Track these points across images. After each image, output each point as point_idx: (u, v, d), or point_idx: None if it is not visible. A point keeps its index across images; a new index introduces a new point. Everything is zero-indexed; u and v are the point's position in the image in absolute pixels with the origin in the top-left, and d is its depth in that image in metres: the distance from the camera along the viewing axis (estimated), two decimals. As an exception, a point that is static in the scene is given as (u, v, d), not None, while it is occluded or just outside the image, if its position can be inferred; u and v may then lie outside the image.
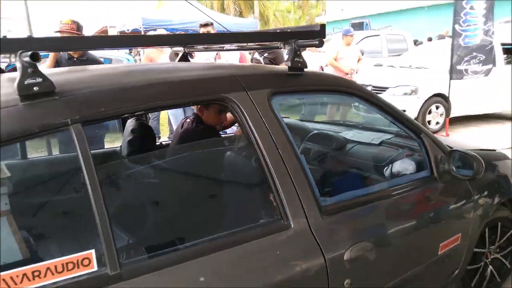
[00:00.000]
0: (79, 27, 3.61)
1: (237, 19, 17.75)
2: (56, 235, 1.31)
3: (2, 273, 1.00)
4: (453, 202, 2.14)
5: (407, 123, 2.06)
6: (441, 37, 12.61)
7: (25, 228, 1.31)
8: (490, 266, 2.50)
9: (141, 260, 1.21)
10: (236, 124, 2.49)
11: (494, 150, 2.73)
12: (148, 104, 1.40)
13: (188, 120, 2.46)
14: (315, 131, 2.84)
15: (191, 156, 1.86)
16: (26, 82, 1.15)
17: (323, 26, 1.72)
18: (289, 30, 1.81)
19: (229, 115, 2.38)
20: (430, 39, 13.74)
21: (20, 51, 1.16)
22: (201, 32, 4.78)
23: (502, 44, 8.07)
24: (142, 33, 11.34)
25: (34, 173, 1.77)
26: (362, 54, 8.00)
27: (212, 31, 4.77)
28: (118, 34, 13.78)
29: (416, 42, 12.55)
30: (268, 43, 1.89)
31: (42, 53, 1.21)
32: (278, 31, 1.82)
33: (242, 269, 1.37)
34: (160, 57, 4.80)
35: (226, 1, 27.48)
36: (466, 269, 2.32)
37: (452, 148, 2.11)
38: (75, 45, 1.68)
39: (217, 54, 4.64)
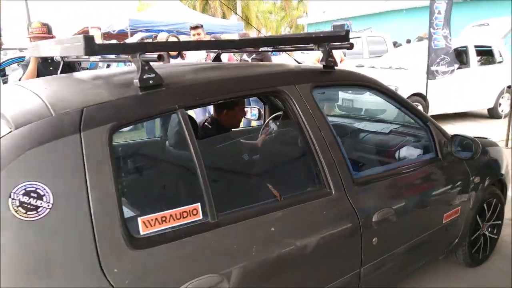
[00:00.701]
0: (49, 29, 3.70)
1: (222, 20, 17.95)
2: (176, 192, 1.66)
3: (142, 217, 1.34)
4: (454, 179, 2.54)
5: (416, 112, 2.47)
6: (420, 39, 13.02)
7: (155, 188, 1.72)
8: (487, 233, 2.92)
9: (231, 213, 1.56)
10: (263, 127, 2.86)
11: (486, 138, 3.11)
12: (227, 95, 1.81)
13: (206, 123, 2.70)
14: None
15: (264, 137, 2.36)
16: (144, 77, 1.47)
17: (347, 32, 2.13)
18: (321, 35, 2.19)
19: None
20: (408, 41, 14.16)
21: (139, 53, 1.47)
22: (191, 34, 4.98)
23: (476, 46, 8.52)
24: (129, 34, 11.47)
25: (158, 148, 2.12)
26: (345, 55, 8.33)
27: (203, 33, 4.99)
28: (102, 34, 13.85)
29: (395, 44, 12.95)
30: (303, 45, 2.26)
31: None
32: (313, 36, 2.19)
33: (299, 222, 1.73)
34: None
35: (210, 1, 27.54)
36: (468, 239, 2.73)
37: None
38: (181, 48, 2.05)
39: (207, 55, 4.87)
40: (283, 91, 1.86)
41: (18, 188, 1.15)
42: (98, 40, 17.43)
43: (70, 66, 2.23)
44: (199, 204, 1.44)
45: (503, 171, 2.99)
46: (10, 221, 1.13)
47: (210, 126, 2.63)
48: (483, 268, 2.93)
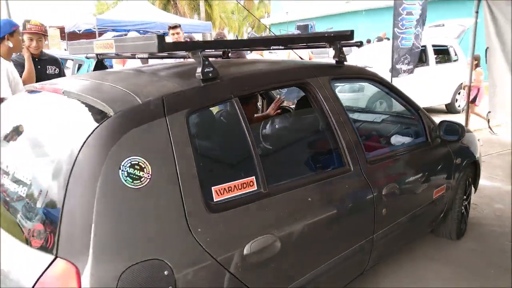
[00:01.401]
0: (46, 29, 3.93)
1: (191, 20, 17.90)
2: (238, 167, 1.88)
3: (215, 187, 1.57)
4: (441, 160, 2.90)
5: (409, 101, 2.81)
6: (380, 39, 13.61)
7: (222, 163, 1.98)
8: (465, 208, 3.32)
9: (279, 185, 1.82)
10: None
11: (460, 124, 3.49)
12: (268, 86, 2.18)
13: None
14: None
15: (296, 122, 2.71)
16: (205, 70, 1.69)
17: (352, 32, 2.47)
18: (332, 35, 2.48)
19: None
20: (369, 41, 14.76)
21: (200, 50, 1.71)
22: (170, 33, 5.02)
23: (433, 46, 9.05)
24: (96, 34, 11.26)
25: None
26: (312, 54, 8.61)
27: (181, 32, 5.06)
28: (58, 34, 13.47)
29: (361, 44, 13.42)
30: (317, 43, 2.54)
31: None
32: (326, 35, 2.47)
33: (327, 194, 2.01)
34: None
35: (172, 1, 27.24)
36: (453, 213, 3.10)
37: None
38: (234, 46, 2.22)
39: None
40: (308, 82, 2.15)
41: (126, 161, 1.36)
42: (57, 39, 16.91)
43: (102, 64, 2.35)
44: (254, 177, 1.70)
45: (477, 154, 3.38)
46: (120, 188, 1.34)
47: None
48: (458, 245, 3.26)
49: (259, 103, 3.53)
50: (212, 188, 1.57)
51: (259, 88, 2.09)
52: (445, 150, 2.93)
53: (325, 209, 1.96)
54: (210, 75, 1.70)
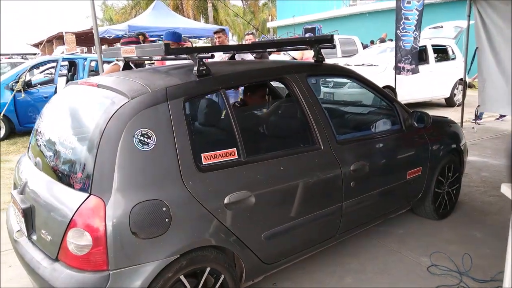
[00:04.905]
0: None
1: (205, 25, 18.84)
2: (223, 140, 2.34)
3: (203, 153, 2.05)
4: (415, 146, 3.29)
5: (385, 95, 3.26)
6: (382, 40, 14.35)
7: (210, 136, 2.46)
8: (450, 191, 3.65)
9: (256, 156, 2.30)
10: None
11: (446, 118, 3.96)
12: (251, 80, 2.68)
13: (236, 103, 3.45)
14: None
15: (276, 109, 3.11)
16: (200, 69, 2.21)
17: (332, 36, 2.93)
18: (313, 39, 3.04)
19: None
20: (372, 42, 15.52)
21: (196, 53, 2.25)
22: (215, 37, 6.04)
23: (433, 46, 9.89)
24: (128, 39, 12.23)
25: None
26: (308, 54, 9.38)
27: (223, 36, 6.04)
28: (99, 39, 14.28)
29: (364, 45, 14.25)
30: (300, 46, 3.10)
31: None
32: (307, 39, 3.02)
33: (298, 166, 2.47)
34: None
35: (180, 4, 27.91)
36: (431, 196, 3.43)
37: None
38: (224, 50, 2.95)
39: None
40: (287, 78, 2.63)
41: (138, 131, 1.89)
42: (73, 44, 17.81)
43: (129, 65, 2.98)
44: (235, 148, 2.19)
45: (462, 143, 3.75)
46: (134, 149, 1.88)
47: (238, 106, 3.37)
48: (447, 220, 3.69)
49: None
50: (202, 154, 2.07)
51: (243, 82, 2.69)
52: (420, 137, 3.27)
53: (295, 177, 2.41)
54: (203, 72, 2.21)
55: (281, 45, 3.39)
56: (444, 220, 3.67)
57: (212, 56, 2.75)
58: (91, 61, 9.02)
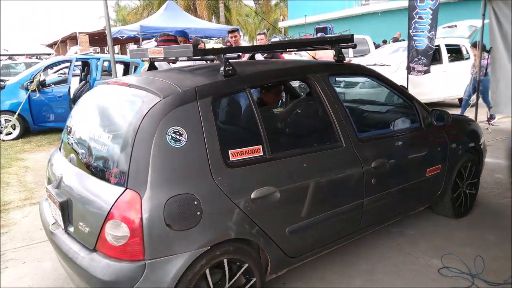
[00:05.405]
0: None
1: (219, 25, 18.95)
2: (249, 137, 2.40)
3: (231, 150, 2.14)
4: (434, 144, 3.32)
5: (404, 93, 3.30)
6: (395, 39, 14.23)
7: (237, 133, 2.55)
8: (467, 191, 3.67)
9: (280, 152, 2.37)
10: None
11: (465, 116, 3.98)
12: (274, 79, 2.77)
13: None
14: None
15: (299, 108, 3.19)
16: (226, 69, 2.30)
17: (352, 36, 3.00)
18: (334, 39, 3.09)
19: None
20: (384, 42, 15.40)
21: (223, 54, 2.35)
22: (229, 36, 6.11)
23: (446, 45, 9.79)
24: (141, 39, 12.38)
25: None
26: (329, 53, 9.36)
27: (238, 36, 6.09)
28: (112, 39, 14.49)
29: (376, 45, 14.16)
30: (321, 46, 3.17)
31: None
32: (327, 39, 3.10)
33: (321, 163, 2.54)
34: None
35: (192, 4, 28.08)
36: (450, 194, 3.45)
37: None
38: (250, 50, 3.07)
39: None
40: (309, 77, 2.70)
41: (170, 129, 1.98)
42: (86, 44, 18.12)
43: (154, 65, 3.08)
44: (260, 145, 2.27)
45: (481, 142, 3.76)
46: (167, 146, 1.97)
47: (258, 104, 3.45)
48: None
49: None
50: (229, 151, 2.15)
51: (268, 81, 2.75)
52: (439, 135, 3.30)
53: (317, 173, 2.48)
54: (230, 72, 2.30)
55: (302, 45, 3.46)
56: (457, 222, 3.65)
57: (239, 57, 2.83)
58: (104, 61, 9.11)
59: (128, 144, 1.97)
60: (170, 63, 3.88)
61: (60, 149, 2.77)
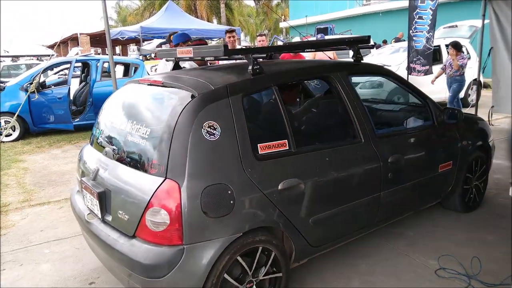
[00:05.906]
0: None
1: (220, 26, 18.98)
2: (276, 131, 2.50)
3: (260, 144, 2.27)
4: (446, 141, 3.48)
5: (418, 92, 3.43)
6: (397, 39, 14.21)
7: (265, 128, 2.66)
8: (478, 184, 3.85)
9: (304, 147, 2.50)
10: None
11: (474, 115, 4.14)
12: (299, 78, 2.95)
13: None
14: None
15: (321, 105, 3.34)
16: (254, 68, 2.43)
17: (369, 37, 3.11)
18: (352, 39, 3.18)
19: None
20: (385, 42, 15.39)
21: (251, 54, 2.47)
22: (227, 36, 6.08)
23: (446, 46, 9.75)
24: (141, 40, 12.41)
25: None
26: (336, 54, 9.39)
27: (236, 36, 6.09)
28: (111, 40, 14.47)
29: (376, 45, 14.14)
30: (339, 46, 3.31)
31: None
32: (346, 40, 3.18)
33: (342, 157, 2.68)
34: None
35: (193, 4, 28.09)
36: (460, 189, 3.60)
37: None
38: (276, 50, 3.35)
39: None
40: (331, 76, 2.84)
41: (206, 123, 2.12)
42: (87, 45, 18.22)
43: (179, 65, 3.21)
44: (286, 140, 2.41)
45: (489, 140, 3.91)
46: (203, 139, 2.11)
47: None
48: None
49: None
50: (258, 144, 2.29)
51: (292, 79, 2.91)
52: (451, 132, 3.47)
53: (339, 167, 2.63)
54: (257, 71, 2.44)
55: (319, 45, 3.60)
56: (456, 223, 3.70)
57: (269, 57, 3.09)
58: (103, 62, 9.11)
59: (166, 137, 2.10)
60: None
61: (91, 143, 2.89)
